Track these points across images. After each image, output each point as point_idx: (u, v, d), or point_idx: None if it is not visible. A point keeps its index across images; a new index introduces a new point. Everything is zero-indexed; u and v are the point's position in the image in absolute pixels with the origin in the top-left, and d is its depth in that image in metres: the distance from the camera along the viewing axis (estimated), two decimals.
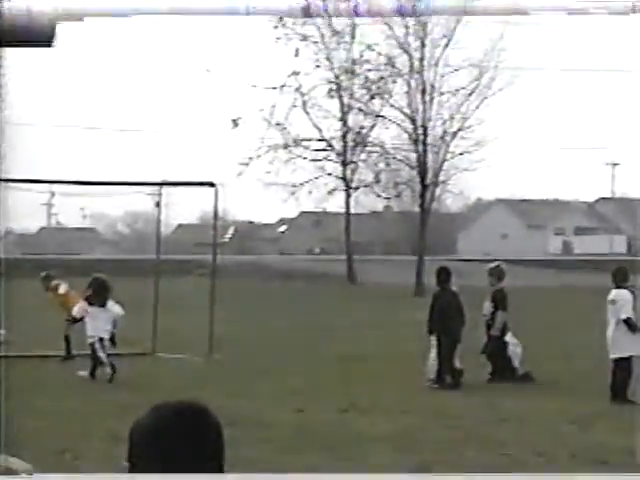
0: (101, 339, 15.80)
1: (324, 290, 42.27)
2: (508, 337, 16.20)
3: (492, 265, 17.06)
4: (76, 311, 17.00)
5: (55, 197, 20.90)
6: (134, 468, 2.74)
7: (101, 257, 62.78)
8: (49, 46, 2.77)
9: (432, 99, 46.06)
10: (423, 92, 46.03)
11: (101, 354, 15.68)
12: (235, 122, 46.56)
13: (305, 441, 11.15)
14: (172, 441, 2.69)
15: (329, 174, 48.38)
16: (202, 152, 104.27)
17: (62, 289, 18.19)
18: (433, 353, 15.48)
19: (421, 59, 46.07)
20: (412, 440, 11.27)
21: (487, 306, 16.29)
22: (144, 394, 13.17)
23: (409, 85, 46.32)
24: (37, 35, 2.73)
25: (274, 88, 46.79)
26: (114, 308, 16.26)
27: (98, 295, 16.17)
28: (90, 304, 16.23)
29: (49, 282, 18.45)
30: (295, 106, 47.41)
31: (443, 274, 16.00)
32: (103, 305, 16.08)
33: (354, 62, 46.99)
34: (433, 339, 15.54)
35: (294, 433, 11.55)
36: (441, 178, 46.80)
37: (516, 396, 14.36)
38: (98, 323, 15.90)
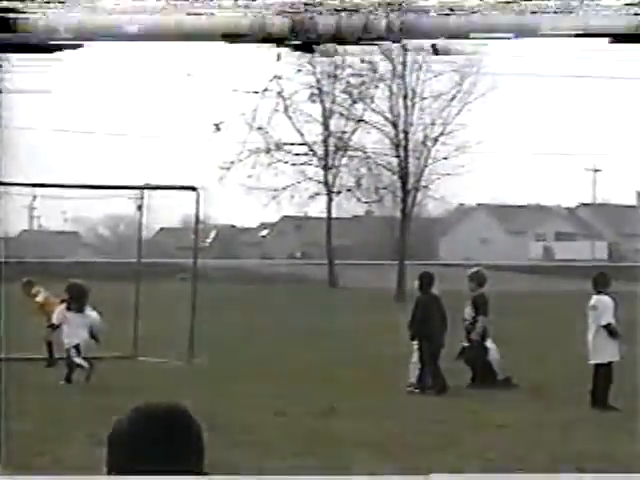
0: (77, 345, 15.82)
1: (305, 294, 42.35)
2: (488, 343, 16.25)
3: (472, 270, 17.13)
4: (55, 318, 16.98)
5: (37, 200, 20.78)
6: (113, 471, 2.72)
7: (83, 260, 62.68)
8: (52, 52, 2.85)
9: (414, 104, 46.27)
10: (405, 97, 46.20)
11: (77, 360, 15.70)
12: (217, 126, 46.41)
13: (286, 445, 11.15)
14: (152, 444, 2.67)
15: (311, 179, 48.55)
16: (184, 156, 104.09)
17: (41, 297, 18.23)
18: (415, 358, 15.49)
19: (403, 64, 46.24)
20: (393, 445, 11.28)
21: (468, 311, 16.31)
22: (125, 397, 13.10)
23: (391, 90, 46.50)
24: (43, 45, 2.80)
25: (256, 92, 46.59)
26: (92, 314, 16.28)
27: (75, 300, 16.18)
28: (68, 309, 16.24)
29: (30, 289, 18.48)
30: (277, 110, 47.36)
31: (426, 279, 15.99)
32: (81, 310, 16.11)
33: (336, 67, 47.08)
34: (415, 344, 15.55)
35: (275, 437, 11.56)
36: (422, 183, 47.02)
37: (497, 401, 14.40)
38: (74, 329, 15.95)
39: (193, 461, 2.71)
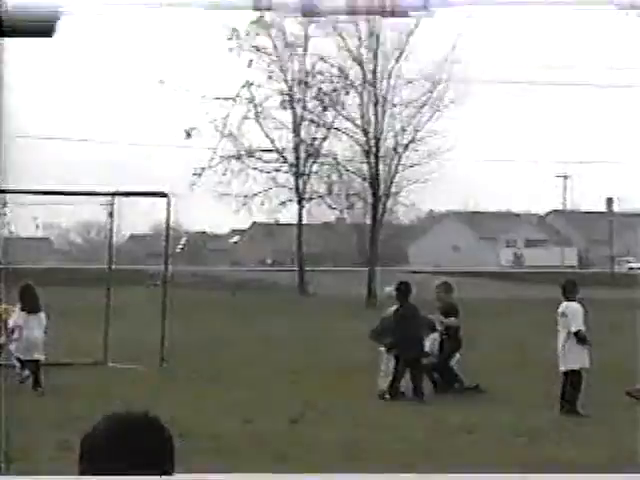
0: (28, 348, 15.85)
1: (275, 301, 42.37)
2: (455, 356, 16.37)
3: (439, 282, 17.30)
4: (12, 323, 16.91)
5: (7, 206, 20.72)
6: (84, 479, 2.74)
7: (53, 266, 62.41)
8: (49, 36, 2.77)
9: (384, 111, 46.43)
10: (376, 104, 46.37)
11: (17, 370, 15.83)
12: (188, 133, 46.61)
13: (254, 451, 11.19)
14: (122, 452, 2.70)
15: (282, 185, 48.56)
16: (155, 162, 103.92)
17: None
18: (384, 365, 15.56)
19: (374, 71, 46.40)
20: (362, 451, 11.33)
21: (437, 319, 16.40)
22: (95, 403, 13.19)
23: (362, 97, 46.66)
24: (37, 26, 2.74)
25: (227, 99, 46.89)
26: (42, 314, 16.32)
27: (29, 302, 16.19)
28: (23, 311, 16.28)
29: None
30: (248, 117, 47.57)
31: (403, 289, 15.91)
32: (35, 311, 16.15)
33: (307, 74, 47.24)
34: (383, 350, 15.63)
35: (243, 444, 11.60)
36: (393, 190, 47.16)
37: (467, 408, 14.49)
38: (31, 331, 16.01)
39: (164, 468, 2.74)
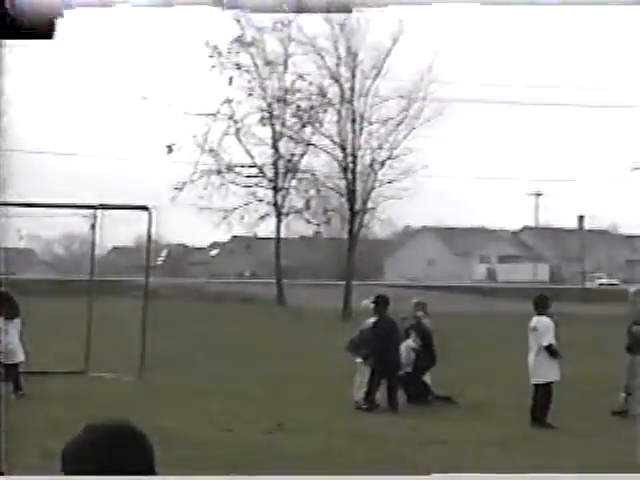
0: (7, 352, 15.98)
1: (254, 313, 42.54)
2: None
3: (415, 300, 17.50)
4: None
5: None
6: None
7: (37, 277, 62.40)
8: (50, 38, 2.69)
9: (362, 128, 46.95)
10: (353, 121, 46.92)
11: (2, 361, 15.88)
12: (170, 148, 47.09)
13: (234, 460, 11.26)
14: (104, 462, 2.71)
15: (260, 200, 48.97)
16: (137, 176, 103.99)
17: None
18: (359, 377, 15.74)
19: (351, 89, 46.95)
20: (338, 460, 11.46)
21: (413, 335, 16.66)
22: (76, 411, 13.36)
23: (339, 114, 47.20)
24: (38, 28, 2.65)
25: (208, 115, 47.44)
26: (18, 320, 16.48)
27: (8, 309, 16.35)
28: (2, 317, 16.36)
29: None
30: (228, 133, 48.10)
31: (382, 302, 15.98)
32: (13, 317, 16.31)
33: (286, 91, 47.76)
34: (358, 362, 15.81)
35: (223, 452, 11.69)
36: (369, 205, 47.58)
37: (439, 419, 14.65)
38: (10, 337, 16.15)
39: (145, 477, 2.77)
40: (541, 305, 14.43)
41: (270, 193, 48.86)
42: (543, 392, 14.10)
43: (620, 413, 14.64)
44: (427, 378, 16.65)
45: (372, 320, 15.94)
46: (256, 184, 48.82)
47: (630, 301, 15.31)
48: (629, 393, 14.72)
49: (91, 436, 2.76)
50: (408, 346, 16.45)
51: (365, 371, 15.71)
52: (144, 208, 19.80)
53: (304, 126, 47.66)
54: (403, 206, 47.85)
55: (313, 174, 48.08)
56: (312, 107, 47.17)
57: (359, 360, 15.87)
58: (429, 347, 16.68)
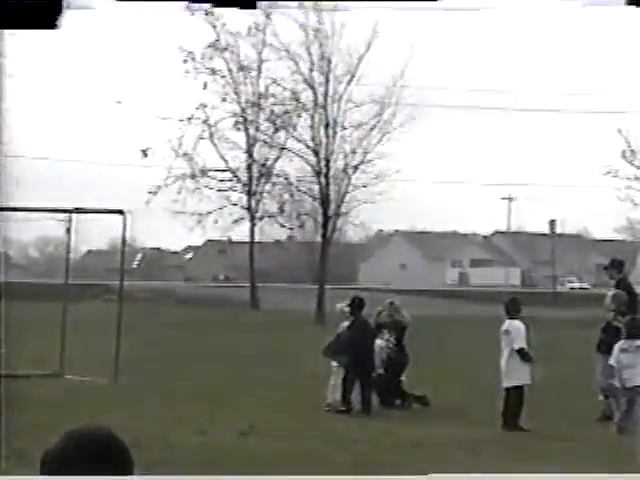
0: None
1: (228, 316, 42.55)
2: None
3: (389, 301, 17.57)
4: None
5: None
6: None
7: (11, 280, 62.17)
8: (53, 28, 2.64)
9: (335, 133, 47.16)
10: (327, 126, 47.14)
11: None
12: (144, 152, 47.19)
13: (206, 462, 11.33)
14: (84, 468, 2.72)
15: (234, 204, 49.10)
16: (112, 180, 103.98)
17: None
18: (333, 379, 15.79)
19: (325, 94, 47.16)
20: (311, 463, 11.50)
21: (386, 335, 16.70)
22: (51, 414, 13.39)
23: (313, 119, 47.38)
24: (41, 17, 2.59)
25: (182, 120, 47.56)
26: None
27: None
28: None
29: None
30: (202, 138, 48.21)
31: (357, 304, 16.09)
32: None
33: (260, 96, 47.94)
34: (334, 365, 15.85)
35: (196, 455, 11.76)
36: (343, 209, 47.75)
37: (411, 422, 14.74)
38: None
39: None
40: (513, 309, 14.55)
41: (244, 197, 49.02)
42: (515, 395, 14.19)
43: (607, 419, 14.36)
44: (403, 377, 16.71)
45: (347, 322, 16.06)
46: (230, 188, 48.99)
47: (606, 306, 15.26)
48: (607, 396, 14.65)
49: (71, 444, 2.76)
50: (381, 346, 16.51)
51: (340, 374, 15.77)
52: (119, 212, 19.82)
53: (278, 130, 47.84)
54: (376, 210, 48.02)
55: (287, 178, 48.27)
56: (286, 112, 47.35)
57: (335, 364, 15.91)
58: (401, 344, 16.74)
